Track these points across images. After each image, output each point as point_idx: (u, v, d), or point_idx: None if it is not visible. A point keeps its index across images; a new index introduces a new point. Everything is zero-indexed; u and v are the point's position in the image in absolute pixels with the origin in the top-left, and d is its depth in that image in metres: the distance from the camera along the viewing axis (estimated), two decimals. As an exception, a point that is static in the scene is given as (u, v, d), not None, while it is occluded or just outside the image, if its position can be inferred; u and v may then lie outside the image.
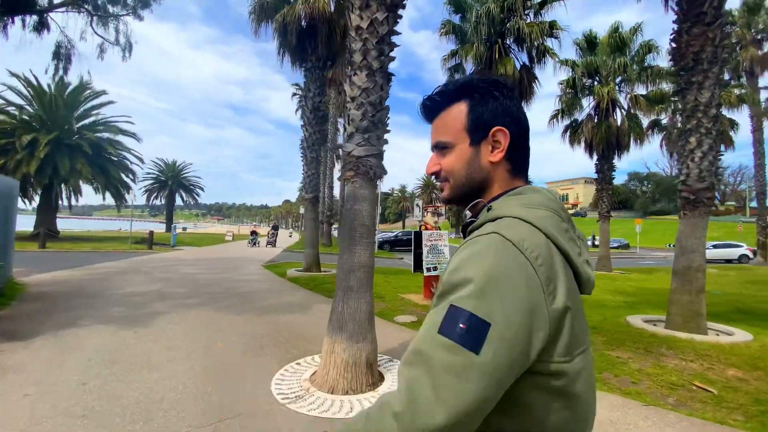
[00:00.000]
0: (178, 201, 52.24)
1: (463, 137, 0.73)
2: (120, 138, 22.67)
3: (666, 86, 13.91)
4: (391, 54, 3.65)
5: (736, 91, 17.21)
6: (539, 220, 0.64)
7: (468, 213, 0.78)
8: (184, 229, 52.12)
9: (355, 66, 3.54)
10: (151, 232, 18.02)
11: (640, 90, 14.48)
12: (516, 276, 0.56)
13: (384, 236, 31.93)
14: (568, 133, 15.63)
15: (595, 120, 14.55)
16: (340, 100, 23.91)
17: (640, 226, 30.01)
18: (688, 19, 5.14)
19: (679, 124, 5.53)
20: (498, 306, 0.54)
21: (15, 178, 18.53)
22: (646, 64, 14.03)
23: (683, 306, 5.08)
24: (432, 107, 0.77)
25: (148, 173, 45.86)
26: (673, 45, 5.38)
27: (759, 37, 18.37)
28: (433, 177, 0.79)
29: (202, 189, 52.63)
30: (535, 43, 11.59)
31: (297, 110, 33.17)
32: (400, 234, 29.29)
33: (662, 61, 13.86)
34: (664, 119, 16.22)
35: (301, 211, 27.36)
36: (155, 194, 48.82)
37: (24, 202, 21.70)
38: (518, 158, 0.75)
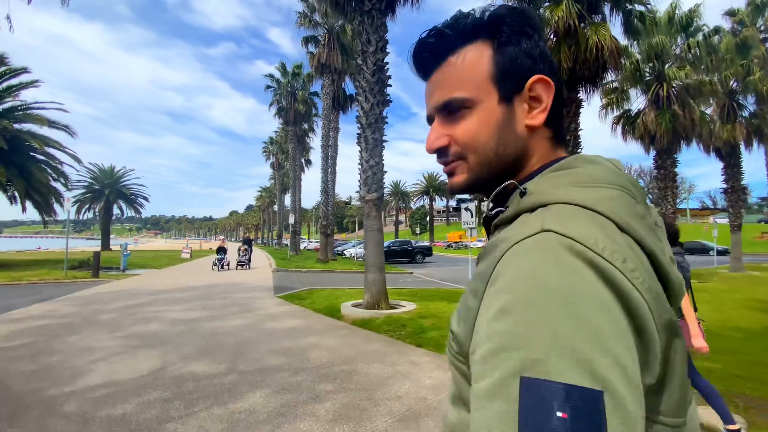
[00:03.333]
0: (117, 213, 45.04)
1: (488, 91, 0.51)
2: (47, 132, 17.46)
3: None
4: None
5: None
6: (607, 204, 0.43)
7: (490, 204, 0.56)
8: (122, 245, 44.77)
9: None
10: (97, 254, 13.32)
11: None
12: (609, 301, 0.36)
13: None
14: (620, 125, 13.73)
15: (658, 108, 12.73)
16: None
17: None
18: None
19: None
20: (604, 356, 0.33)
21: None
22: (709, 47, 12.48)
23: None
24: (435, 50, 0.54)
25: (79, 181, 38.65)
26: None
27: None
28: (437, 156, 0.55)
29: (146, 199, 45.85)
30: (634, 6, 9.32)
31: (271, 105, 29.34)
32: (395, 244, 26.24)
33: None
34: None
35: (317, 224, 23.36)
36: (87, 205, 41.46)
37: None
38: (559, 121, 0.54)
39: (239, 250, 18.12)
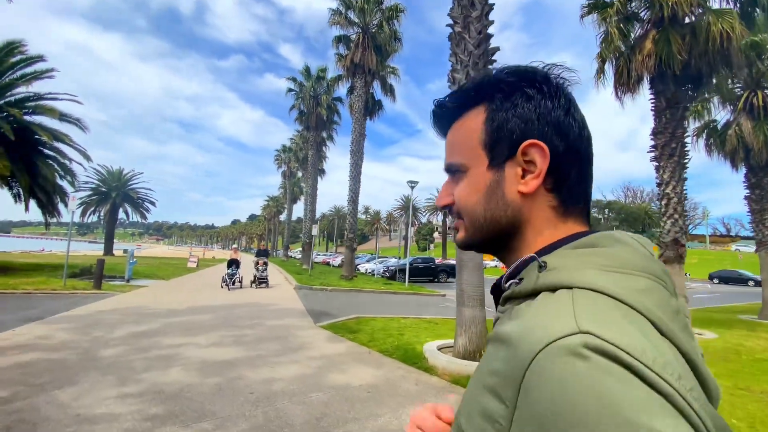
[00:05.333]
0: (122, 217, 43.68)
1: (478, 157, 0.52)
2: (56, 125, 16.04)
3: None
4: None
5: None
6: (642, 298, 0.38)
7: (498, 261, 0.53)
8: (126, 251, 43.21)
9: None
10: (101, 262, 11.62)
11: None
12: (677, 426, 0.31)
13: (392, 263, 26.83)
14: (703, 137, 12.09)
15: (754, 119, 11.08)
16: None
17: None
18: None
19: None
20: None
21: None
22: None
23: None
24: (443, 116, 0.57)
25: (86, 182, 37.36)
26: None
27: None
28: (447, 211, 0.57)
29: (153, 203, 44.52)
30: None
31: (291, 109, 28.10)
32: (416, 261, 24.40)
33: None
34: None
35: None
36: (93, 208, 40.13)
37: None
38: (570, 188, 0.50)
39: (256, 263, 14.78)
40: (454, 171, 0.54)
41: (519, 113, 0.49)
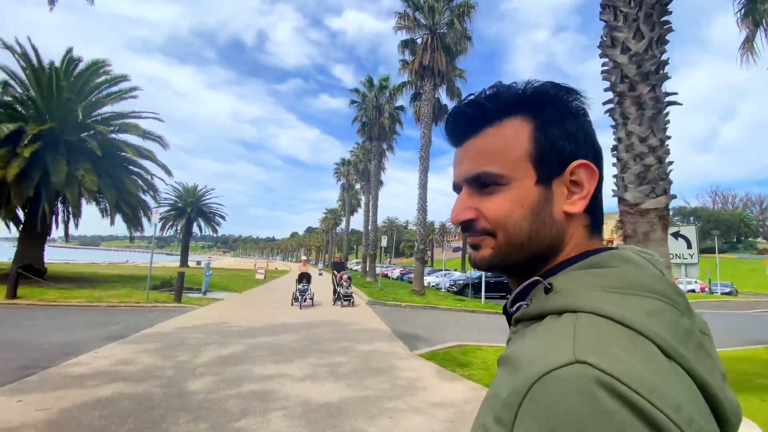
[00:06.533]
0: (195, 231, 46.41)
1: (525, 170, 0.48)
2: (140, 142, 16.81)
3: None
4: None
5: None
6: (648, 321, 0.37)
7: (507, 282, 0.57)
8: (199, 263, 45.79)
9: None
10: (181, 275, 11.52)
11: None
12: None
13: (458, 277, 25.11)
14: None
15: None
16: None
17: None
18: None
19: None
20: None
21: None
22: None
23: None
24: (472, 120, 0.50)
25: (165, 198, 40.17)
26: None
27: None
28: (461, 229, 0.50)
29: (223, 217, 46.86)
30: None
31: (354, 120, 27.92)
32: (487, 275, 22.44)
33: None
34: None
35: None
36: (171, 222, 43.07)
37: (7, 227, 15.53)
38: (600, 209, 0.51)
39: (339, 278, 12.95)
40: (488, 182, 0.48)
41: (568, 131, 0.47)
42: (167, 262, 57.24)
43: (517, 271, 0.50)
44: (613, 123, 4.65)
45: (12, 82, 13.72)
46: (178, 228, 43.55)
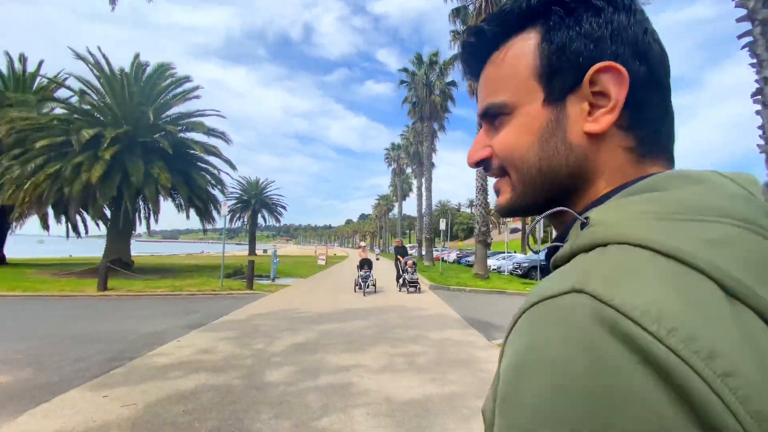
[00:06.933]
0: (260, 221, 49.10)
1: (529, 91, 0.39)
2: (205, 139, 17.64)
3: None
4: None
5: None
6: (709, 250, 0.27)
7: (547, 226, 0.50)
8: (265, 251, 48.46)
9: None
10: (251, 264, 11.98)
11: None
12: (671, 425, 0.21)
13: (521, 259, 23.67)
14: None
15: None
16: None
17: None
18: None
19: None
20: None
21: (73, 188, 12.98)
22: None
23: None
24: (479, 48, 0.43)
25: (231, 192, 42.86)
26: None
27: None
28: (484, 170, 0.44)
29: (284, 208, 49.03)
30: None
31: (404, 102, 27.15)
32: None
33: None
34: None
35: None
36: (238, 215, 45.97)
37: (97, 225, 17.29)
38: (653, 123, 0.38)
39: (404, 263, 12.38)
40: (495, 114, 0.41)
41: (585, 31, 0.37)
42: (237, 251, 61.48)
43: (540, 212, 0.41)
44: (754, 60, 3.62)
45: (88, 90, 14.96)
46: (245, 219, 46.43)
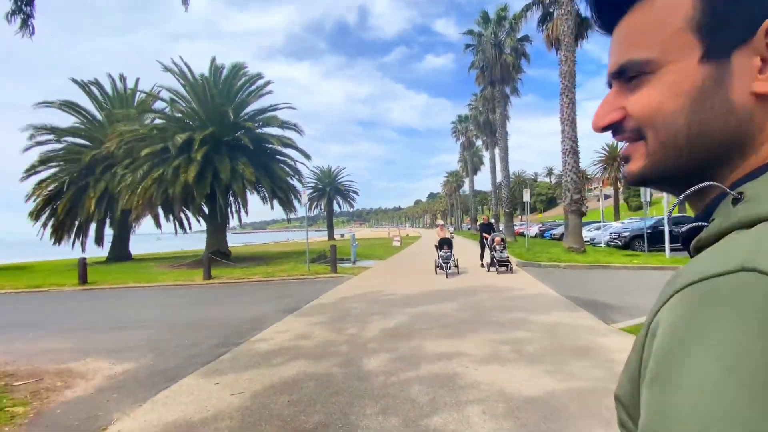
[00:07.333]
0: (335, 208, 51.03)
1: (683, 46, 0.34)
2: (280, 132, 18.37)
3: None
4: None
5: None
6: None
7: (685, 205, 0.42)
8: (342, 235, 50.41)
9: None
10: (334, 248, 12.27)
11: None
12: None
13: (619, 228, 21.00)
14: None
15: None
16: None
17: None
18: None
19: None
20: None
21: (175, 189, 14.40)
22: None
23: None
24: None
25: (307, 182, 45.08)
26: None
27: None
28: (612, 134, 0.39)
29: (356, 193, 50.24)
30: None
31: (471, 68, 25.44)
32: (660, 223, 18.01)
33: None
34: None
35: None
36: (315, 202, 48.27)
37: (198, 220, 19.22)
38: None
39: (491, 241, 11.33)
40: (634, 73, 0.36)
41: None
42: (317, 237, 64.92)
43: (684, 183, 0.36)
44: None
45: (177, 98, 16.38)
46: (321, 207, 48.65)
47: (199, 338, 5.30)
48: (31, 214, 18.91)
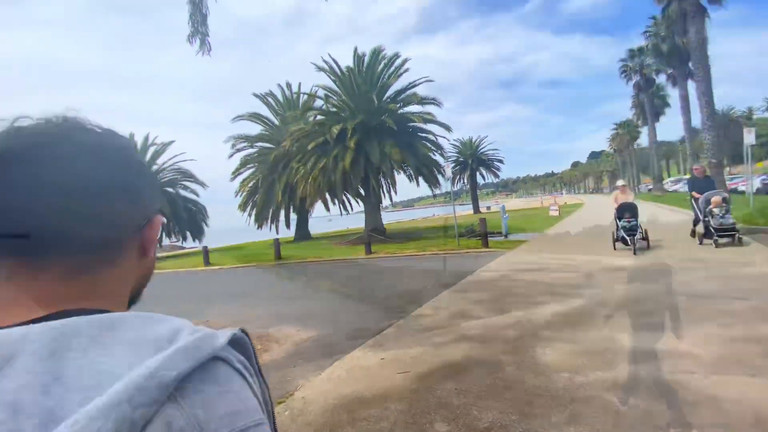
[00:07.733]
0: (479, 180, 49.07)
1: None
2: (419, 108, 18.28)
3: None
4: None
5: None
6: None
7: None
8: (488, 208, 48.16)
9: None
10: (483, 221, 11.63)
11: None
12: None
13: None
14: None
15: None
16: None
17: None
18: None
19: None
20: None
21: (336, 176, 16.81)
22: None
23: None
24: None
25: (449, 156, 44.51)
26: None
27: None
28: None
29: (501, 161, 47.09)
30: None
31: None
32: None
33: None
34: None
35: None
36: (458, 176, 47.41)
37: (357, 202, 21.15)
38: None
39: (706, 202, 8.44)
40: None
41: None
42: (462, 211, 64.13)
43: None
44: None
45: (330, 94, 18.00)
46: (464, 180, 47.49)
47: (366, 309, 5.63)
48: (240, 206, 24.32)
